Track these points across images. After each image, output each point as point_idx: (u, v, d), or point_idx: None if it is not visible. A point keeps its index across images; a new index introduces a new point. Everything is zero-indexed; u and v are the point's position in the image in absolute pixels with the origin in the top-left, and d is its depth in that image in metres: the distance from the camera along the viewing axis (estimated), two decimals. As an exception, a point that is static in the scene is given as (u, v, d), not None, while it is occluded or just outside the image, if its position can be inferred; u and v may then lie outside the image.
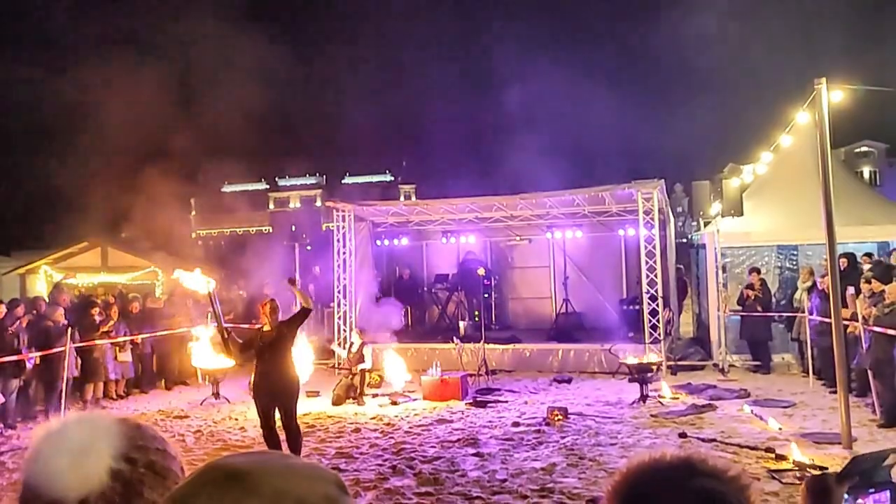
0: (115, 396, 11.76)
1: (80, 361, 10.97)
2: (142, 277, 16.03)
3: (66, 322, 10.80)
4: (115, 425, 1.07)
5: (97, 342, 11.20)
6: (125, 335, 11.78)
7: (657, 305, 12.63)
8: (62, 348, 10.43)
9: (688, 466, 1.03)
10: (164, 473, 1.05)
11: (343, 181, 71.24)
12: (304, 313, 7.42)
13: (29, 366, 10.25)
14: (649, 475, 1.04)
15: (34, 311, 11.39)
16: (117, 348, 11.61)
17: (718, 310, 12.96)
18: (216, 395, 11.46)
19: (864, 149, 54.67)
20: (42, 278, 16.55)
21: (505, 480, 6.95)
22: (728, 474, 1.02)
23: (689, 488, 1.00)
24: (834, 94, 7.51)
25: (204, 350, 11.83)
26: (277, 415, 7.39)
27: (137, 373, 12.32)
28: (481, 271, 14.46)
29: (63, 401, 10.46)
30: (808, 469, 6.68)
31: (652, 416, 9.43)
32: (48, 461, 1.02)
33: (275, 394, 7.28)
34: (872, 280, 9.34)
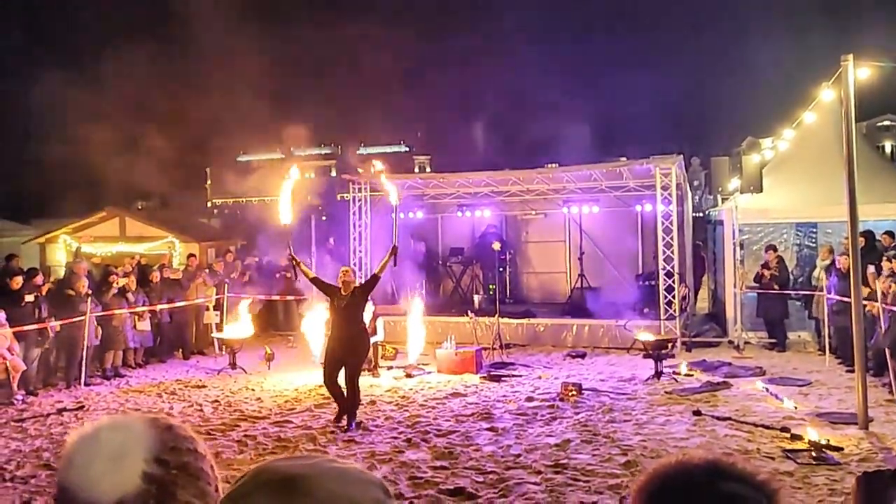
0: (133, 365, 11.92)
1: (99, 330, 11.12)
2: (158, 248, 16.13)
3: (87, 291, 10.93)
4: (147, 428, 1.08)
5: (116, 311, 11.33)
6: (144, 305, 11.91)
7: (673, 281, 12.58)
8: (82, 317, 10.57)
9: (715, 469, 1.02)
10: (197, 474, 1.07)
11: (358, 151, 71.06)
12: (374, 279, 8.47)
13: (51, 334, 10.42)
14: (676, 477, 1.03)
15: (55, 281, 11.56)
16: (136, 317, 11.74)
17: (735, 287, 12.89)
18: (233, 364, 11.59)
19: (886, 123, 53.72)
20: (61, 247, 16.70)
21: (519, 456, 7.01)
22: (756, 478, 1.01)
23: (716, 492, 0.99)
24: (860, 72, 7.36)
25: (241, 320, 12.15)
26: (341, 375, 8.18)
27: (156, 342, 12.47)
28: (497, 245, 14.43)
29: (83, 369, 10.64)
30: (823, 449, 6.68)
31: (666, 392, 9.43)
32: (83, 467, 1.04)
33: (344, 354, 8.08)
34: (894, 259, 9.24)
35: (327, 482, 0.90)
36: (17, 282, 10.29)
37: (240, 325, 12.22)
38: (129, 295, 11.70)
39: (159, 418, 1.13)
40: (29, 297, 10.23)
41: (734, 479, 1.00)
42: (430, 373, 11.14)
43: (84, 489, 1.02)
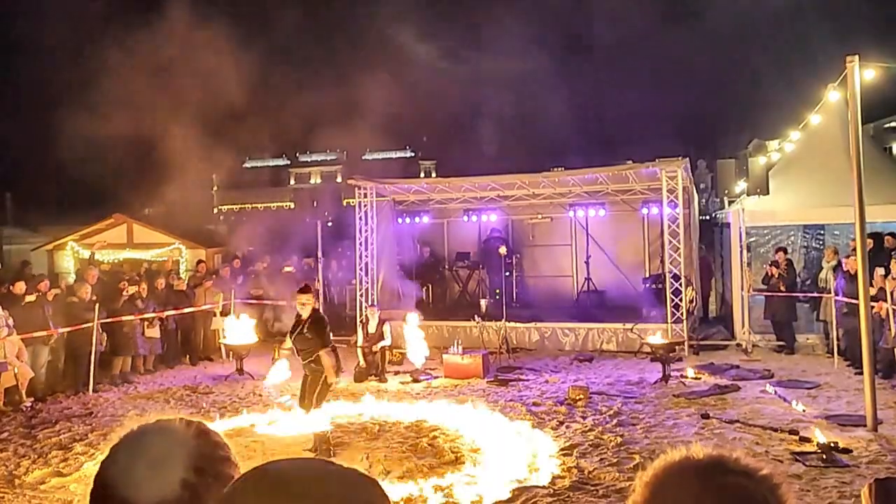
0: (142, 371, 11.95)
1: (105, 336, 11.15)
2: (166, 254, 16.19)
3: (93, 298, 10.97)
4: (189, 435, 1.12)
5: (125, 318, 11.38)
6: (153, 311, 11.95)
7: (680, 285, 12.55)
8: (90, 323, 10.61)
9: (719, 463, 1.03)
10: (228, 482, 1.08)
11: (364, 157, 71.18)
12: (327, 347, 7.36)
13: (55, 334, 10.43)
14: (680, 471, 1.04)
15: (67, 287, 11.65)
16: (146, 324, 11.78)
17: (742, 289, 12.86)
18: (240, 370, 11.61)
19: (893, 124, 53.47)
20: (69, 254, 16.79)
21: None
22: (759, 473, 1.02)
23: (719, 485, 1.00)
24: (866, 73, 7.34)
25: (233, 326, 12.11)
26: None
27: (163, 348, 12.50)
28: (503, 250, 14.43)
29: (91, 375, 10.67)
30: (832, 452, 6.64)
31: (674, 396, 9.40)
32: (126, 467, 1.07)
33: (304, 378, 7.51)
34: (901, 261, 9.20)
35: (321, 482, 0.90)
36: (20, 287, 10.35)
37: (241, 330, 12.22)
38: (139, 302, 11.74)
39: (196, 424, 1.15)
40: (30, 297, 10.27)
41: (738, 472, 1.01)
42: (437, 377, 11.14)
43: (123, 489, 1.05)
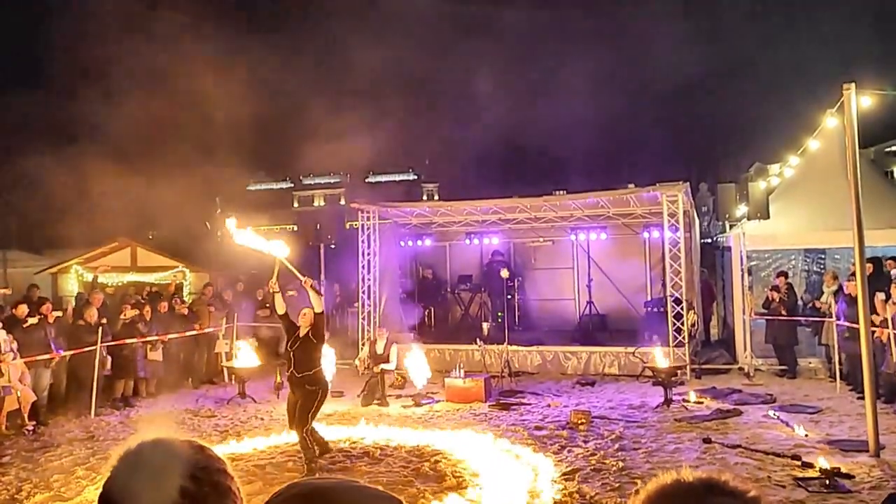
0: (144, 394, 11.95)
1: (109, 360, 11.18)
2: (169, 277, 16.27)
3: (98, 321, 11.01)
4: (184, 447, 1.17)
5: (128, 341, 11.41)
6: (156, 334, 11.98)
7: (682, 308, 12.56)
8: (93, 347, 10.64)
9: (709, 486, 1.07)
10: (225, 492, 1.14)
11: (366, 180, 71.50)
12: (319, 316, 7.63)
13: (56, 357, 10.46)
14: (672, 493, 1.08)
15: (74, 310, 11.71)
16: (149, 346, 11.81)
17: (744, 313, 12.87)
18: (242, 394, 11.61)
19: (894, 148, 53.66)
20: (73, 277, 16.88)
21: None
22: (748, 495, 1.06)
23: None
24: (863, 99, 7.43)
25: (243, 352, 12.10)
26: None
27: (166, 372, 12.50)
28: (505, 273, 14.48)
29: (93, 398, 10.68)
30: (835, 477, 6.63)
31: (676, 420, 9.39)
32: (126, 480, 1.12)
33: (295, 396, 7.59)
34: (902, 285, 9.22)
35: (352, 496, 0.98)
36: (22, 310, 10.42)
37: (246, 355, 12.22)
38: (141, 325, 11.78)
39: (192, 440, 1.20)
40: (32, 319, 10.32)
41: (727, 494, 1.05)
42: (438, 401, 11.13)
43: (126, 501, 1.09)
